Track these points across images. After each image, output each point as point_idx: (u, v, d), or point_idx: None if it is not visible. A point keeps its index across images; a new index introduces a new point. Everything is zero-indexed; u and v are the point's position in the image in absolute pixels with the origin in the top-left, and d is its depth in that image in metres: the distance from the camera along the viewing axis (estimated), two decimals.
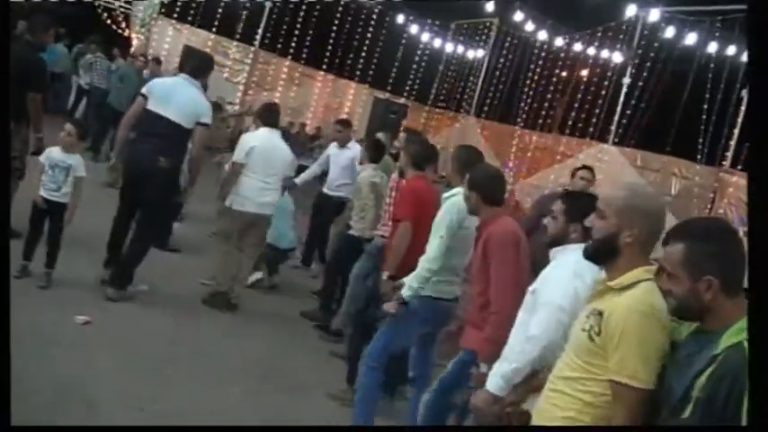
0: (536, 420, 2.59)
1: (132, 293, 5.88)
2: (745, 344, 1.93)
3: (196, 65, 6.18)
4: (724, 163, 12.50)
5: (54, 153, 5.57)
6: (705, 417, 1.98)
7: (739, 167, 12.22)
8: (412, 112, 19.73)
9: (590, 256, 2.51)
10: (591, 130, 15.91)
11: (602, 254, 2.46)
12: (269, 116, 6.64)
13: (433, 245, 4.16)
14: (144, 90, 5.92)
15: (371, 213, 6.26)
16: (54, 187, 5.50)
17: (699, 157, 13.25)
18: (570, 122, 16.64)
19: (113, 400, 4.12)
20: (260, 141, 6.29)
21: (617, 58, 15.75)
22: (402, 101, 19.61)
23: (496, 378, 3.07)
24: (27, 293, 5.14)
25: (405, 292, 4.19)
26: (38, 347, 4.31)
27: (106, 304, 5.53)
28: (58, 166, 5.53)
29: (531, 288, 3.15)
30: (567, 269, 2.98)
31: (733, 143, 12.48)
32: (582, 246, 2.70)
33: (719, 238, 2.13)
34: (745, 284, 2.00)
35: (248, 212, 6.23)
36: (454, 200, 4.19)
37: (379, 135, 6.24)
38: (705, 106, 13.39)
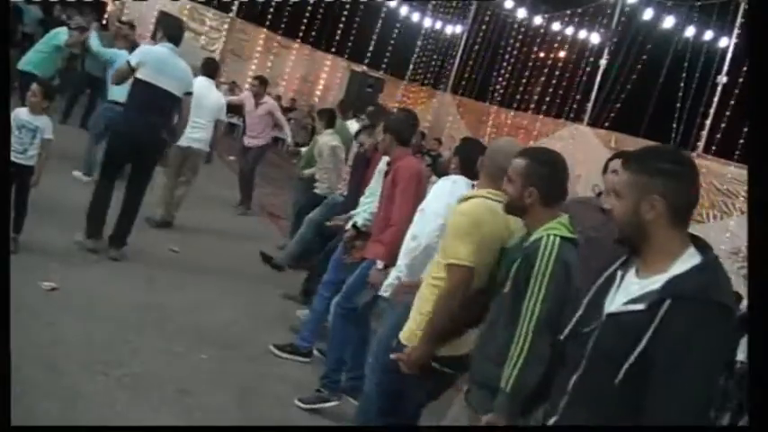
0: (415, 307, 3.33)
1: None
2: (547, 238, 2.66)
3: (176, 32, 6.25)
4: (698, 147, 12.60)
5: (21, 114, 5.42)
6: (514, 288, 2.72)
7: (712, 152, 12.35)
8: (388, 86, 19.61)
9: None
10: (567, 110, 15.97)
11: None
12: (206, 68, 7.95)
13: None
14: (134, 60, 5.89)
15: (334, 175, 7.09)
16: (20, 149, 5.35)
17: (672, 141, 13.35)
18: (546, 102, 16.67)
19: (78, 365, 4.06)
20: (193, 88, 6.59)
21: (595, 39, 15.78)
22: (379, 75, 19.48)
23: (393, 272, 3.90)
24: None
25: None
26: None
27: (73, 270, 5.44)
28: (25, 127, 5.38)
29: (420, 207, 3.89)
30: (445, 189, 3.78)
31: (706, 128, 12.59)
32: (458, 176, 3.80)
33: (550, 164, 2.82)
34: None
35: (182, 146, 7.29)
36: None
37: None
38: (680, 92, 13.48)
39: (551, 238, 2.66)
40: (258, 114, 9.41)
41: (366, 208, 5.05)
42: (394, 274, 3.90)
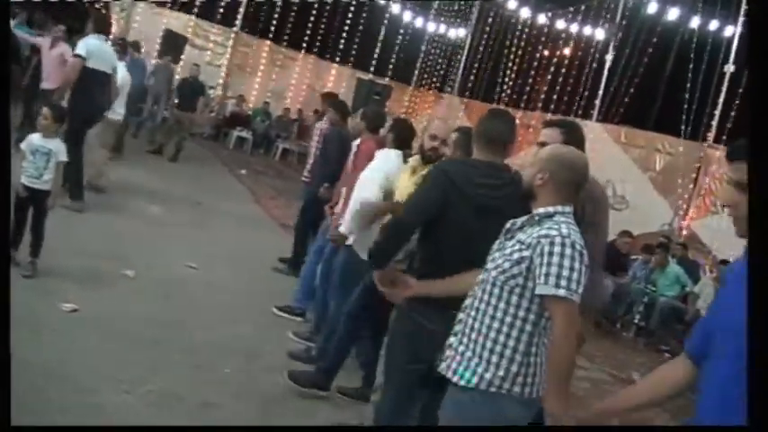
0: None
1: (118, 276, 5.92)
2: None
3: (103, 26, 8.09)
4: (708, 138, 12.54)
5: (34, 139, 5.47)
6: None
7: (723, 142, 12.27)
8: (396, 92, 19.63)
9: None
10: (575, 107, 15.94)
11: None
12: (119, 54, 9.31)
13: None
14: (83, 53, 7.39)
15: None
16: (35, 174, 5.39)
17: (682, 132, 13.29)
18: (554, 100, 16.64)
19: (101, 383, 4.08)
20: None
21: (600, 34, 15.74)
22: (386, 81, 19.48)
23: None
24: (13, 283, 5.06)
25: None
26: (25, 335, 4.26)
27: (91, 292, 5.46)
28: (38, 151, 5.42)
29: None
30: (379, 162, 5.04)
31: (716, 118, 12.52)
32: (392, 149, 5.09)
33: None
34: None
35: (111, 118, 8.77)
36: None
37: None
38: (688, 83, 13.42)
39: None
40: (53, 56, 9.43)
41: None
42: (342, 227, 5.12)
